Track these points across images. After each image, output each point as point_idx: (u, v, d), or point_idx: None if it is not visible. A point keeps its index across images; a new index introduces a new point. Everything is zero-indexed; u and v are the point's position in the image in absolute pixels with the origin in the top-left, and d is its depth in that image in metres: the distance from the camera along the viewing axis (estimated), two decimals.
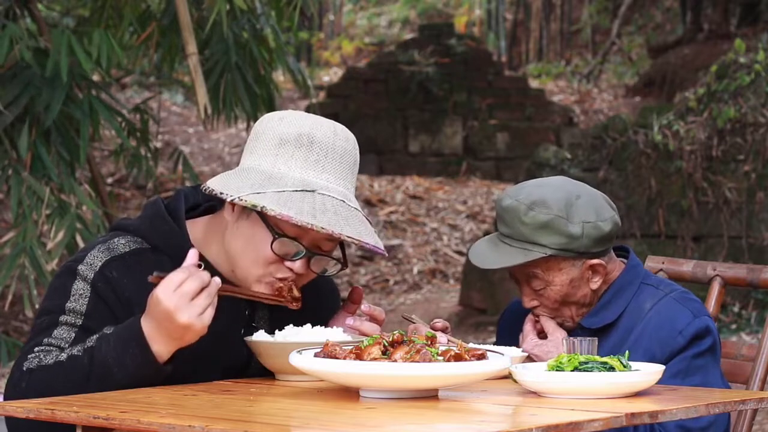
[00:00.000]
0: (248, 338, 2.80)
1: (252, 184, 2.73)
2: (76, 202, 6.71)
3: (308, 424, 2.35)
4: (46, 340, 2.74)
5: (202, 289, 2.60)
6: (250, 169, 2.79)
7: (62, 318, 2.76)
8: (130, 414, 2.35)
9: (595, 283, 3.09)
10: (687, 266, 3.44)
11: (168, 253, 2.83)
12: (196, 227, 2.89)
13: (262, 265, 2.77)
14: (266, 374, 2.84)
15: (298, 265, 2.77)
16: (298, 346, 2.64)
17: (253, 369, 2.89)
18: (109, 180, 12.45)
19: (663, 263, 3.45)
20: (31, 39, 6.65)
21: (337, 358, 2.50)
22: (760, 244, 8.89)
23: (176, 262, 2.75)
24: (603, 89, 18.00)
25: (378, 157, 14.85)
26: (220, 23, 7.06)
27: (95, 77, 7.26)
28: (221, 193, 2.73)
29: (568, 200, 3.06)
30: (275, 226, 2.74)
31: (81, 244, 6.54)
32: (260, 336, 2.79)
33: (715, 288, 3.38)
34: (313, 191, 2.74)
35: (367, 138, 14.71)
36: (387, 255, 2.93)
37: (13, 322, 8.27)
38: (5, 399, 2.69)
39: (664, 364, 2.91)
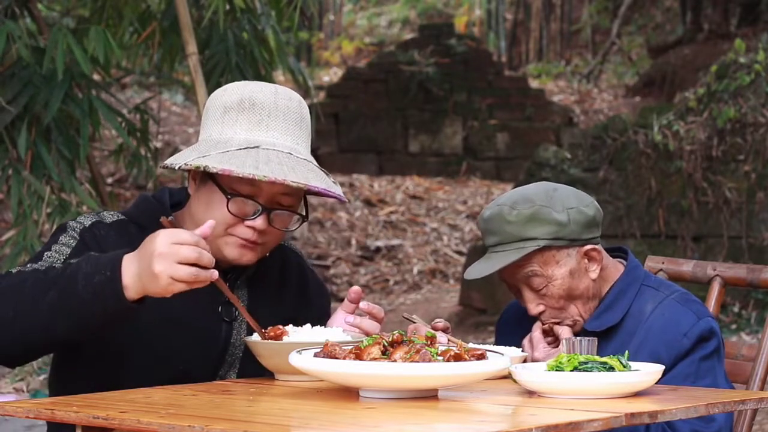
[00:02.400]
0: (248, 338, 2.80)
1: (200, 151, 2.81)
2: (76, 201, 6.71)
3: (308, 424, 2.35)
4: (30, 264, 2.80)
5: (196, 264, 2.56)
6: (200, 141, 2.89)
7: (47, 254, 2.83)
8: (130, 414, 2.35)
9: (594, 272, 3.09)
10: (687, 266, 3.44)
11: (150, 229, 2.86)
12: (177, 216, 2.94)
13: (223, 225, 2.82)
14: (262, 372, 2.84)
15: (258, 222, 2.82)
16: (298, 346, 2.64)
17: (230, 355, 2.90)
18: (109, 180, 12.45)
19: (663, 263, 3.45)
20: (30, 38, 6.65)
21: (336, 358, 2.50)
22: (760, 244, 8.89)
23: None
24: (603, 89, 18.00)
25: (378, 157, 14.85)
26: (217, 21, 7.06)
27: (95, 76, 7.25)
28: (171, 165, 2.80)
29: (547, 192, 3.09)
30: (229, 188, 2.81)
31: None
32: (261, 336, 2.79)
33: (715, 288, 3.38)
34: (256, 147, 2.81)
35: (367, 138, 14.72)
36: (345, 200, 2.96)
37: None
38: None
39: (670, 366, 2.92)
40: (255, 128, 2.84)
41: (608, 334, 3.08)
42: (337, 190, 2.85)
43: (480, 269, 3.08)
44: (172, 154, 8.42)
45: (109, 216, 2.93)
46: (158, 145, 9.81)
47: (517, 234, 3.04)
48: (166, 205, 2.96)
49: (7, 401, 2.57)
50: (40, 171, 6.73)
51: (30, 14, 7.18)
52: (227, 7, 7.34)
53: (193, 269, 2.55)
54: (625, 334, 3.07)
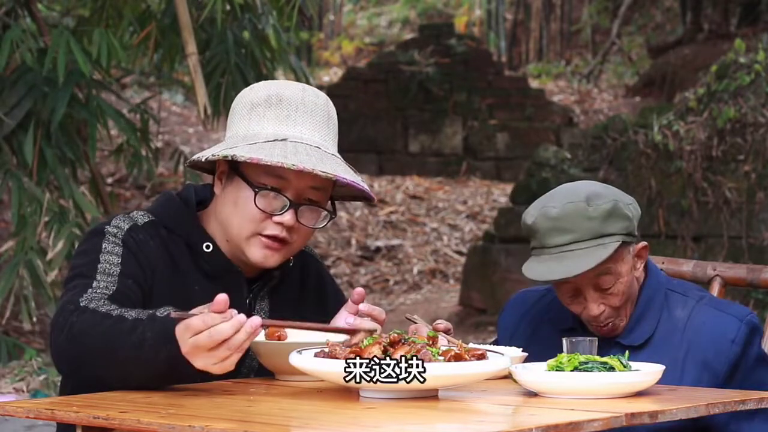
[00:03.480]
0: None
1: (227, 145, 2.81)
2: (75, 210, 6.72)
3: (308, 424, 2.35)
4: (95, 283, 2.74)
5: (224, 341, 2.47)
6: (227, 138, 2.87)
7: (99, 266, 2.77)
8: (130, 414, 2.35)
9: (639, 270, 3.04)
10: (687, 266, 3.43)
11: (178, 232, 2.88)
12: (202, 216, 2.94)
13: (250, 223, 2.80)
14: (266, 373, 2.84)
15: (287, 217, 2.80)
16: (298, 346, 2.64)
17: (245, 367, 2.90)
18: (109, 180, 12.45)
19: (663, 263, 3.44)
20: (32, 40, 6.65)
21: (337, 358, 2.49)
22: (760, 244, 8.89)
23: (186, 241, 2.85)
24: (603, 89, 18.00)
25: (378, 157, 14.85)
26: (216, 20, 7.06)
27: (96, 76, 7.26)
28: (198, 158, 2.80)
29: (605, 187, 3.02)
30: (256, 182, 2.79)
31: None
32: (260, 336, 2.79)
33: (715, 288, 3.37)
34: (284, 139, 2.79)
35: (367, 138, 14.71)
36: (373, 198, 2.93)
37: (13, 322, 8.28)
38: (52, 321, 2.70)
39: (727, 375, 2.94)
40: (282, 123, 2.82)
41: (642, 347, 3.03)
42: (365, 187, 2.82)
43: (561, 269, 2.93)
44: (172, 154, 8.43)
45: (140, 217, 2.89)
46: (158, 145, 9.80)
47: (599, 229, 2.93)
48: (192, 204, 2.93)
49: (7, 401, 2.57)
50: (45, 176, 6.74)
51: (30, 14, 7.18)
52: (227, 6, 7.34)
53: (223, 345, 2.47)
54: (659, 343, 3.02)
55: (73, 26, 7.86)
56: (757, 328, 3.03)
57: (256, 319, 2.50)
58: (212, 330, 2.48)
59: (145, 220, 2.88)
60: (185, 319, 2.52)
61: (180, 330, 2.52)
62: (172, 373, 2.58)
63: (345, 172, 2.79)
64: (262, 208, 2.79)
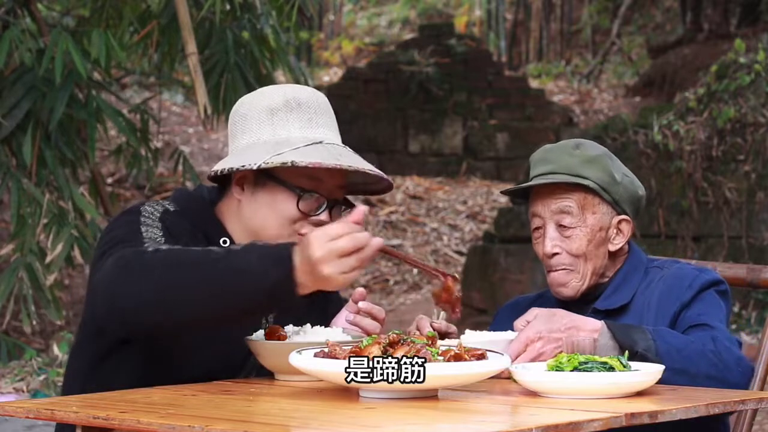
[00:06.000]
0: (248, 338, 2.80)
1: (267, 151, 2.84)
2: (74, 212, 6.72)
3: (308, 424, 2.35)
4: (145, 245, 2.72)
5: (357, 250, 2.50)
6: (252, 145, 2.89)
7: (144, 233, 2.79)
8: (130, 414, 2.35)
9: (615, 245, 3.13)
10: None
11: (199, 226, 2.92)
12: (217, 213, 2.97)
13: (290, 224, 2.86)
14: (266, 373, 2.84)
15: (324, 216, 2.87)
16: (298, 346, 2.64)
17: (252, 362, 2.90)
18: (109, 180, 12.44)
19: None
20: (31, 40, 6.65)
21: (337, 358, 2.50)
22: (760, 244, 8.89)
23: (205, 234, 2.88)
24: (603, 89, 17.99)
25: (378, 157, 14.84)
26: (215, 20, 7.06)
27: (96, 77, 7.26)
28: (242, 167, 2.81)
29: (607, 152, 3.16)
30: (295, 185, 2.85)
31: (79, 258, 6.62)
32: (260, 336, 2.79)
33: None
34: (320, 142, 2.87)
35: (367, 138, 14.71)
36: (392, 185, 3.03)
37: (13, 322, 8.28)
38: (99, 277, 2.64)
39: (676, 315, 3.01)
40: (306, 126, 2.90)
41: (620, 314, 3.11)
42: (390, 181, 2.96)
43: (528, 183, 3.12)
44: (172, 154, 8.43)
45: (168, 205, 2.94)
46: (158, 145, 9.80)
47: (573, 169, 3.10)
48: (208, 200, 2.98)
49: (7, 401, 2.57)
50: (44, 176, 6.74)
51: (30, 15, 7.18)
52: (227, 6, 7.35)
53: (355, 255, 2.49)
54: (639, 309, 3.10)
55: (73, 26, 7.86)
56: (721, 281, 3.08)
57: (379, 240, 2.53)
58: (354, 235, 2.49)
59: (173, 209, 2.93)
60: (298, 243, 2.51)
61: (315, 236, 2.49)
62: (273, 299, 2.55)
63: (376, 170, 2.88)
64: (304, 209, 2.86)
